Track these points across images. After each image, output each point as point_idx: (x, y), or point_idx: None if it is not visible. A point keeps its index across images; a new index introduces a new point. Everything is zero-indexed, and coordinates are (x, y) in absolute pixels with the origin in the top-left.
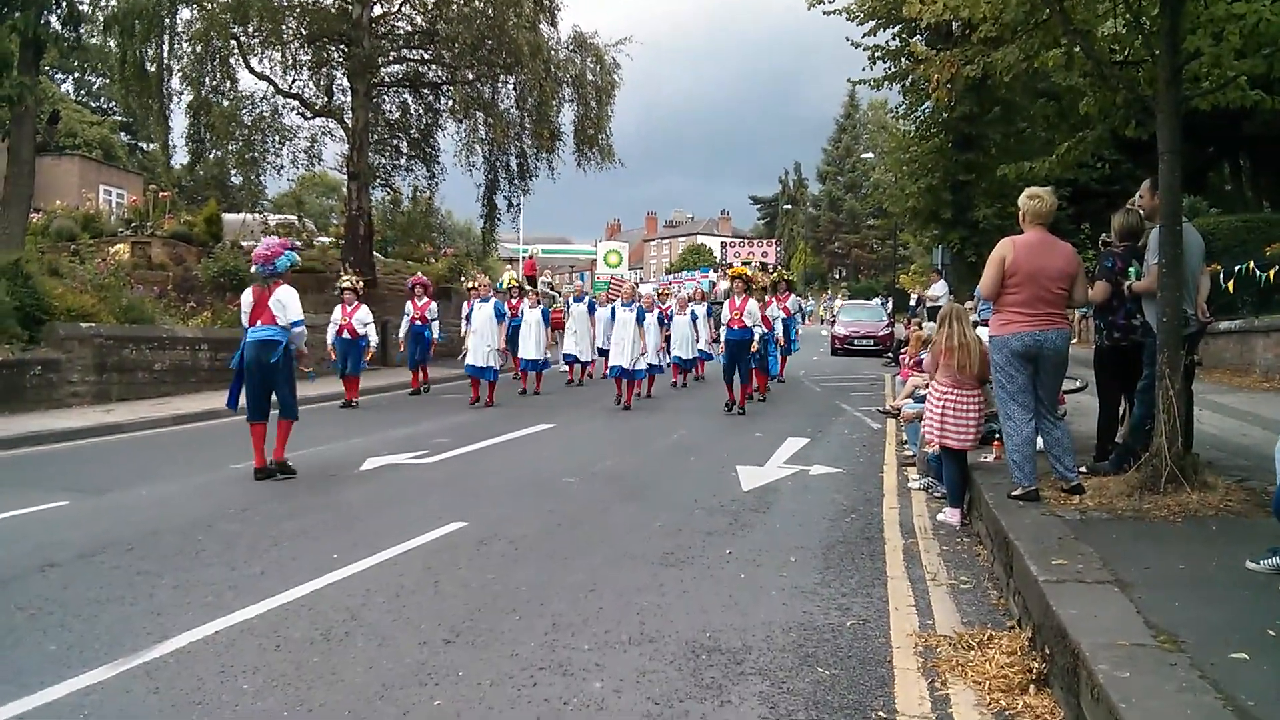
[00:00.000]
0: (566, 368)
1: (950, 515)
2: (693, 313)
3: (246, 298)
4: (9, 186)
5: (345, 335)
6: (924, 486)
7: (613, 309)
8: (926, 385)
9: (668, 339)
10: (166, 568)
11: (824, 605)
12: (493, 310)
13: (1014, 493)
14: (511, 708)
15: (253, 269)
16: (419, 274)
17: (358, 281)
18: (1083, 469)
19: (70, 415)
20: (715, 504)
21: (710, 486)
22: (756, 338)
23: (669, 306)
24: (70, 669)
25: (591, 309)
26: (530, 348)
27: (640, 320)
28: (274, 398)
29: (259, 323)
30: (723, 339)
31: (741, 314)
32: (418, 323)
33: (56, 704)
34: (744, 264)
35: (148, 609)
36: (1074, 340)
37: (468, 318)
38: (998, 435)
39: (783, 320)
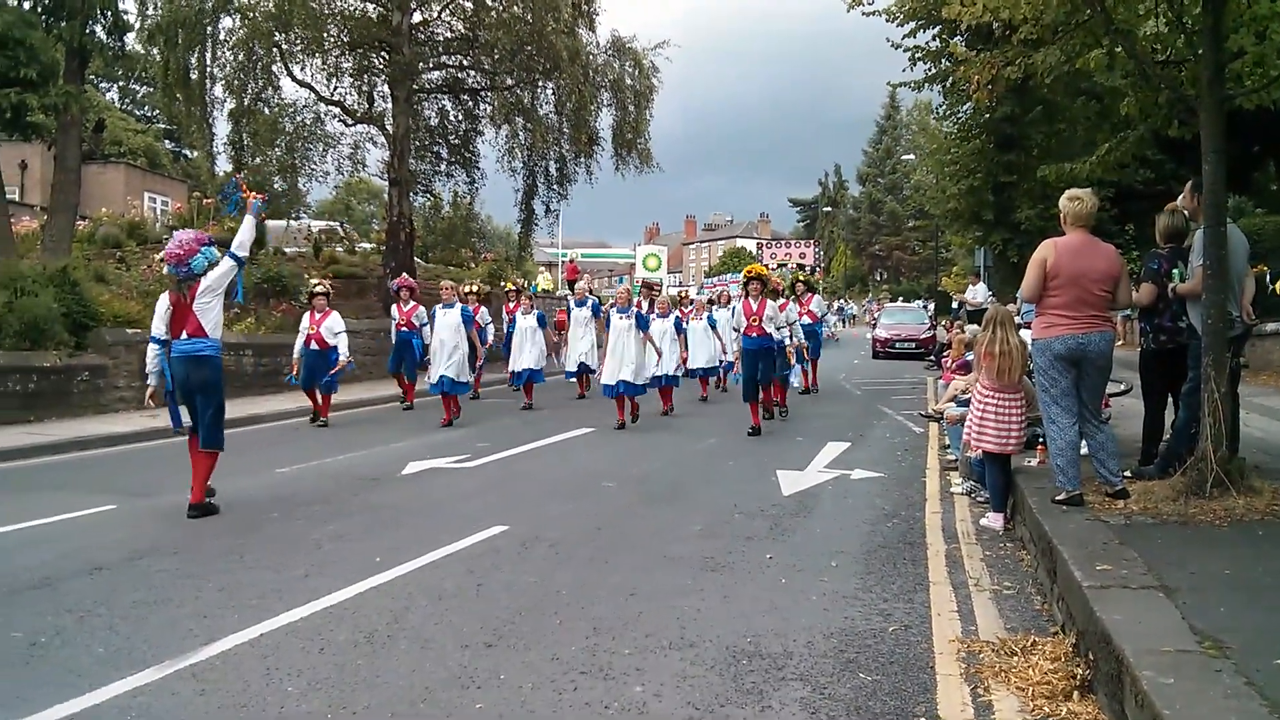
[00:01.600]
0: (575, 380)
1: (993, 520)
2: (710, 318)
3: (163, 304)
4: (56, 194)
5: (314, 346)
6: (967, 491)
7: (607, 316)
8: (969, 388)
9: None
10: (212, 571)
11: (865, 610)
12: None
13: (1058, 497)
14: (553, 711)
15: (164, 269)
16: (404, 275)
17: (327, 285)
18: (1127, 473)
19: (117, 420)
20: (755, 508)
21: (750, 491)
22: (790, 343)
23: (689, 311)
24: (118, 670)
25: (596, 312)
26: (525, 356)
27: (642, 326)
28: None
29: (184, 334)
30: (738, 348)
31: (760, 318)
32: (404, 329)
33: (104, 705)
34: (780, 265)
35: (194, 611)
36: (1118, 343)
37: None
38: (1041, 439)
39: (805, 325)
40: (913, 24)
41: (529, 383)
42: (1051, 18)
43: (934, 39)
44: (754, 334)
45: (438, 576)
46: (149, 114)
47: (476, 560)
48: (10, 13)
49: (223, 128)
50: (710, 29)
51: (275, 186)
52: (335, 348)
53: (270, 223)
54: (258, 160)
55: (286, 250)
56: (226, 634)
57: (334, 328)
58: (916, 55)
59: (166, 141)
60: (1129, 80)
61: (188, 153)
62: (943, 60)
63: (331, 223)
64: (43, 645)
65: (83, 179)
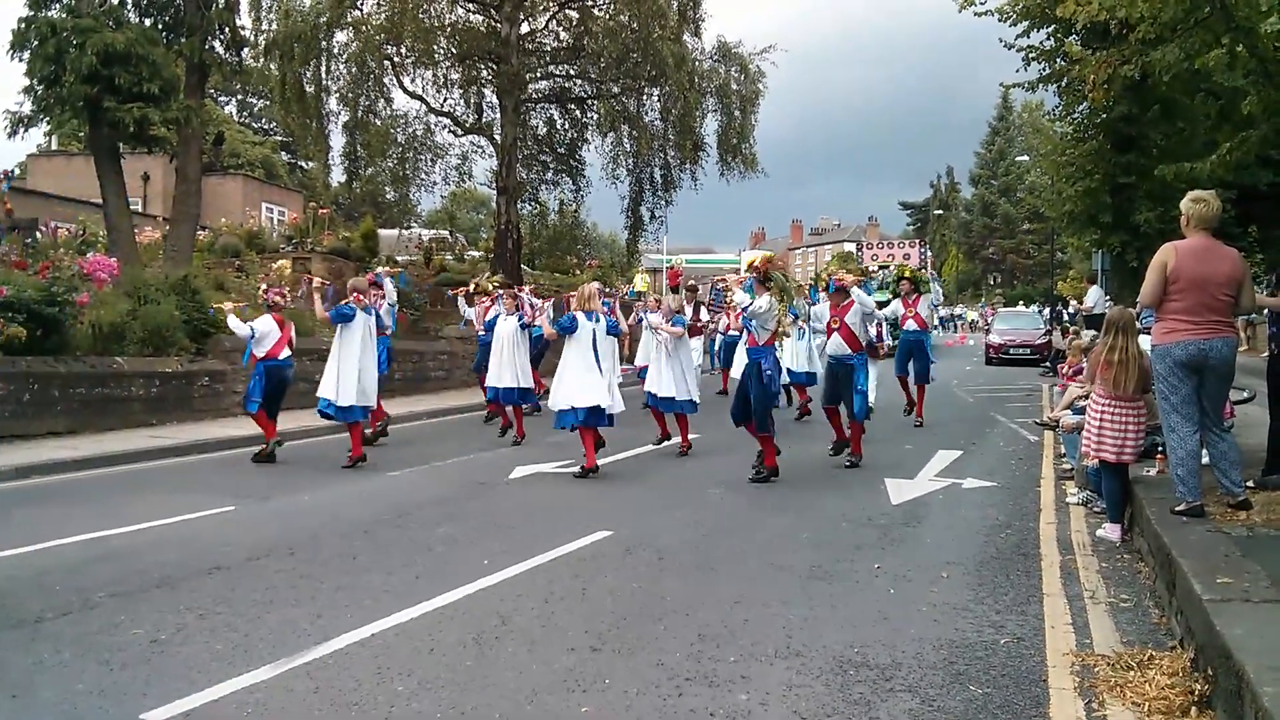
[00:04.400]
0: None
1: (1110, 531)
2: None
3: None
4: (177, 205)
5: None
6: (1083, 501)
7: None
8: (1086, 395)
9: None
10: (327, 571)
11: (977, 622)
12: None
13: (1177, 508)
14: (658, 717)
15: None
16: (375, 271)
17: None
18: (1250, 483)
19: (236, 424)
20: (863, 517)
21: (858, 499)
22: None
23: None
24: (235, 667)
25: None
26: (502, 372)
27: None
28: None
29: None
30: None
31: (843, 320)
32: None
33: (223, 700)
34: (881, 267)
35: (309, 611)
36: (1242, 348)
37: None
38: (1161, 448)
39: (911, 335)
40: (1026, 23)
41: (516, 406)
42: (1170, 15)
43: (1048, 38)
44: (844, 344)
45: (544, 580)
46: (266, 126)
47: (582, 565)
48: (133, 30)
49: (337, 139)
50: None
51: (387, 196)
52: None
53: (383, 232)
54: (370, 170)
55: (398, 258)
56: (340, 633)
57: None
58: (1030, 55)
59: (283, 153)
60: (1250, 79)
61: (303, 164)
62: (1057, 60)
63: (441, 231)
64: (164, 642)
65: (202, 190)
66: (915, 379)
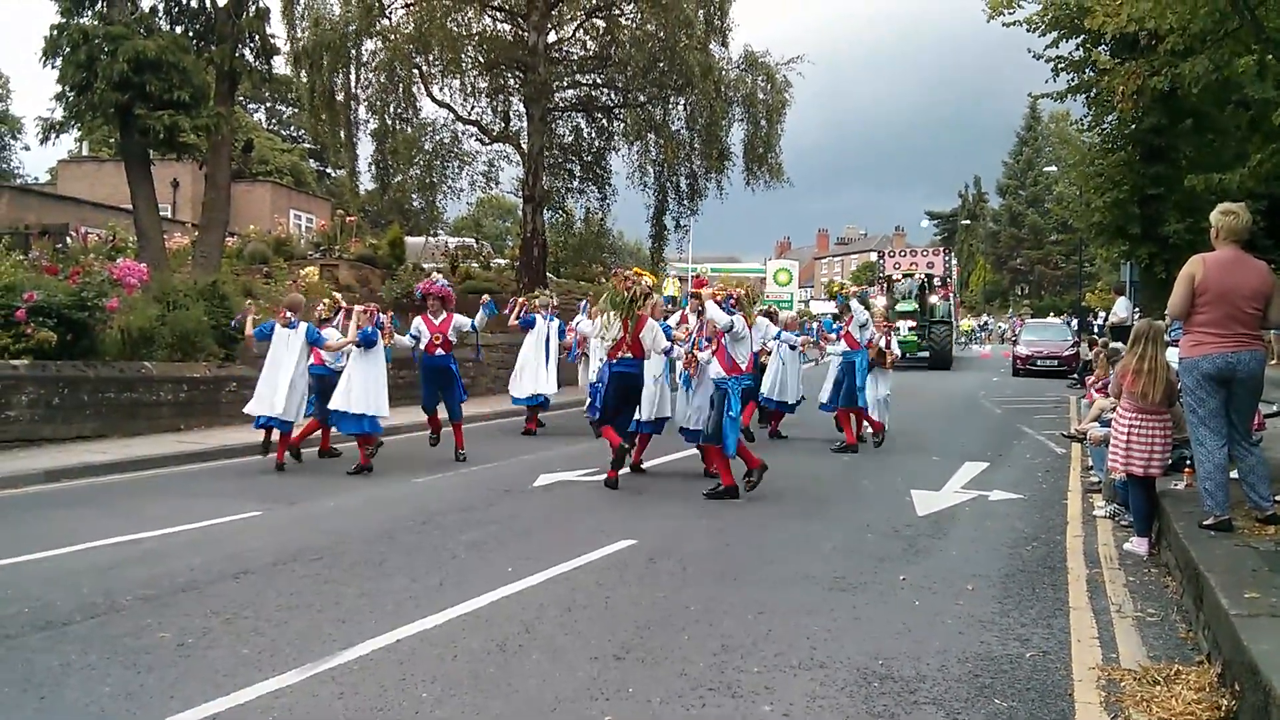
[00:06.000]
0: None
1: (1137, 545)
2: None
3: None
4: (207, 212)
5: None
6: (1110, 514)
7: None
8: (1114, 408)
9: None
10: (352, 577)
11: (1002, 635)
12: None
13: (1205, 522)
14: None
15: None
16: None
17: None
18: (1279, 498)
19: (262, 430)
20: (889, 528)
21: (883, 510)
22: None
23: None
24: (261, 672)
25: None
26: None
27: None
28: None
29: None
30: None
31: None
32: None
33: (248, 705)
34: (905, 275)
35: (334, 616)
36: (1271, 362)
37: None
38: (1189, 461)
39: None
40: (1054, 34)
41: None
42: (1199, 26)
43: (1077, 49)
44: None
45: (568, 588)
46: (294, 134)
47: (605, 573)
48: (164, 37)
49: (366, 147)
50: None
51: (414, 204)
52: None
53: (409, 239)
54: (398, 179)
55: (425, 266)
56: (365, 639)
57: (463, 325)
58: (1059, 66)
59: (311, 160)
60: None
61: (331, 171)
62: (1086, 70)
63: (467, 239)
64: (190, 646)
65: (232, 197)
66: (844, 400)
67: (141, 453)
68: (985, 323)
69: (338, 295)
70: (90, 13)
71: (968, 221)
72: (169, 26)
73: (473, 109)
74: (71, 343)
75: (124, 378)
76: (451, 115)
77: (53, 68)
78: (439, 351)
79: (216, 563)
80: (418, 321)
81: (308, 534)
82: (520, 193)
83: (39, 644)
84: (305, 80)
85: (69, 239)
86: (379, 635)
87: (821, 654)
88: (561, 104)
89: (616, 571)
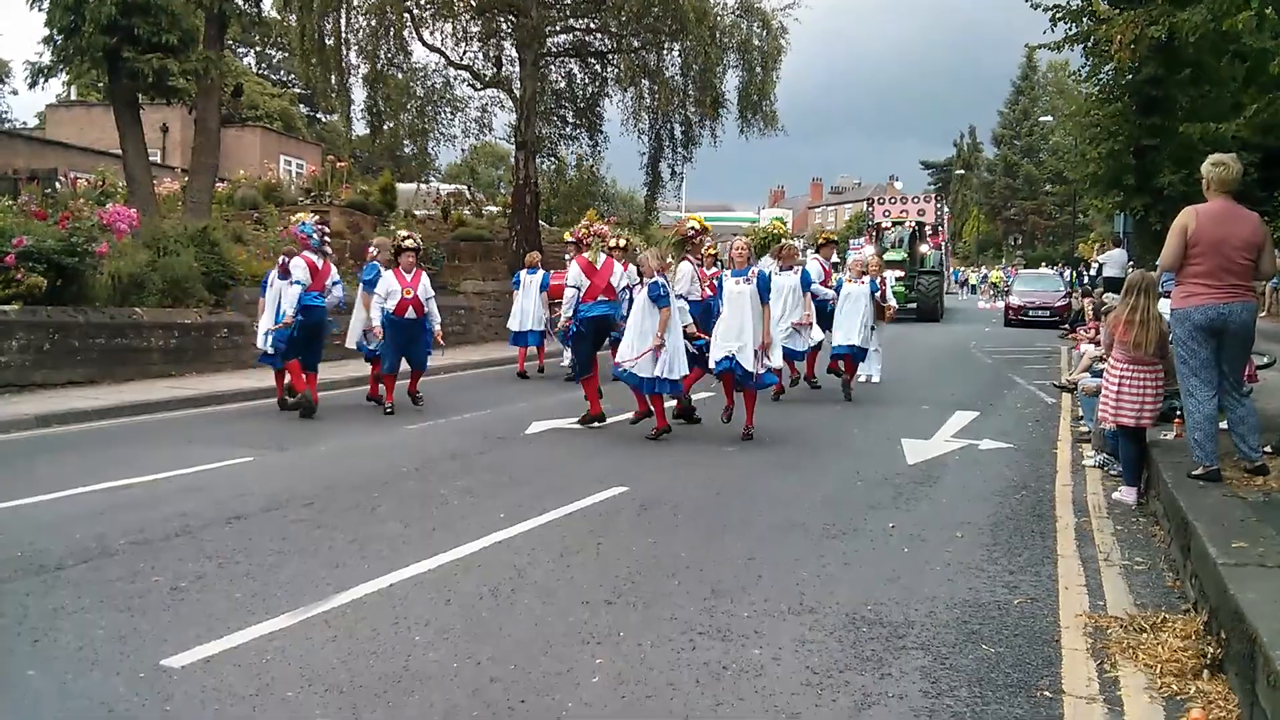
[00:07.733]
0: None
1: (1126, 494)
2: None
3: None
4: (196, 157)
5: (410, 313)
6: (1099, 464)
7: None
8: (1104, 358)
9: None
10: (344, 522)
11: (990, 582)
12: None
13: (1194, 472)
14: (671, 669)
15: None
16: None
17: (418, 239)
18: (1268, 449)
19: (254, 376)
20: (878, 476)
21: (873, 459)
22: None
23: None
24: (254, 615)
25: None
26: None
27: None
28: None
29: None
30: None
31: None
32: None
33: (242, 648)
34: (895, 223)
35: (327, 561)
36: (1262, 314)
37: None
38: (1178, 412)
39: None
40: None
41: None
42: None
43: None
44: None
45: (560, 534)
46: (285, 79)
47: (597, 520)
48: None
49: (358, 92)
50: None
51: (406, 150)
52: (429, 315)
53: (401, 186)
54: (390, 125)
55: (416, 213)
56: (357, 583)
57: (429, 291)
58: (1057, 15)
59: (301, 106)
60: (1278, 41)
61: (322, 116)
62: (1084, 19)
63: (459, 186)
64: (184, 590)
65: (222, 142)
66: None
67: (133, 398)
68: (985, 275)
69: (401, 233)
70: None
71: (962, 171)
72: None
73: (465, 54)
74: (61, 288)
75: (115, 324)
76: (443, 60)
77: (40, 10)
78: (409, 313)
79: (209, 508)
80: (389, 276)
81: (300, 480)
82: (513, 139)
83: (32, 588)
84: (295, 24)
85: (58, 184)
86: (372, 579)
87: (811, 599)
88: (554, 49)
89: (608, 518)
